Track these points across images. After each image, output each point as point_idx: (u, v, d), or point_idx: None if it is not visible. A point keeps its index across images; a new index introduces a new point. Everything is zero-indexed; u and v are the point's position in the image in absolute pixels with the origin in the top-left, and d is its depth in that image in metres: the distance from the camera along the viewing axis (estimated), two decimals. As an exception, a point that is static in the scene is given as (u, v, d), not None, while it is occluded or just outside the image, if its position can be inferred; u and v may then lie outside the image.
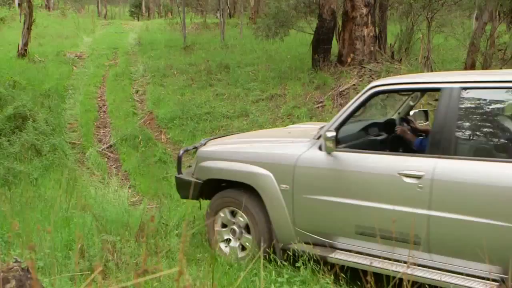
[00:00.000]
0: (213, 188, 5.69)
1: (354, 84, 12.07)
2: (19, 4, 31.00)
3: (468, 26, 16.21)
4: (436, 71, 12.63)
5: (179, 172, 6.07)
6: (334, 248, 4.89)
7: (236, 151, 5.57)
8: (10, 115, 10.88)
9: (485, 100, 4.48)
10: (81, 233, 5.26)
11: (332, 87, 12.35)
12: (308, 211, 4.98)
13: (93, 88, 15.22)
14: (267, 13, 16.93)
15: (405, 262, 4.27)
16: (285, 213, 5.09)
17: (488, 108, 4.53)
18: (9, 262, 2.54)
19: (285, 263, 5.02)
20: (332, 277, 4.46)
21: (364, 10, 12.80)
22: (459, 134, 4.37)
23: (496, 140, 4.45)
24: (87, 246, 5.02)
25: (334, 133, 4.69)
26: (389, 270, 3.94)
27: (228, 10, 30.09)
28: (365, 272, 4.27)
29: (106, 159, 10.69)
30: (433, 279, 4.17)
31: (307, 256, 4.79)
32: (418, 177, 4.26)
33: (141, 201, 8.37)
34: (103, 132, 12.25)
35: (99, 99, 14.44)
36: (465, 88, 4.34)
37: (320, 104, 11.85)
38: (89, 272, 4.41)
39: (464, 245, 4.10)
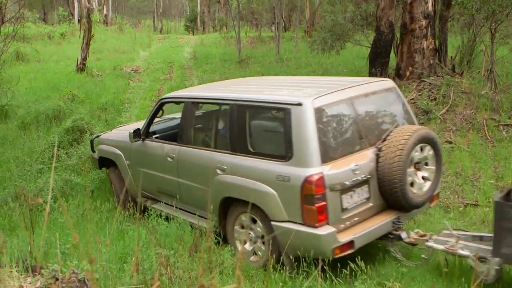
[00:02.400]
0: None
1: (413, 99, 11.84)
2: (78, 20, 32.19)
3: (534, 38, 15.69)
4: (500, 84, 12.27)
5: (92, 151, 9.07)
6: (156, 200, 7.69)
7: (109, 138, 8.57)
8: (69, 128, 11.23)
9: (205, 110, 7.36)
10: (135, 246, 5.35)
11: (389, 102, 12.16)
12: (139, 178, 7.68)
13: (148, 102, 15.55)
14: (323, 26, 16.93)
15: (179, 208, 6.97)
16: (131, 179, 7.91)
17: (205, 115, 7.35)
18: (67, 274, 2.61)
19: (341, 281, 4.96)
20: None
21: (424, 22, 12.59)
22: (191, 131, 6.97)
23: (203, 135, 7.02)
24: (141, 259, 5.10)
25: (132, 131, 7.50)
26: (170, 213, 7.01)
27: (283, 24, 30.24)
28: None
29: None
30: (181, 217, 6.71)
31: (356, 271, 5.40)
32: (173, 158, 7.03)
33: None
34: (158, 146, 12.46)
35: (154, 113, 14.72)
36: (194, 102, 7.04)
37: (377, 119, 11.70)
38: (143, 286, 4.47)
39: (194, 199, 6.75)
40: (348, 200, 5.57)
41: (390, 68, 13.70)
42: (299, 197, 5.35)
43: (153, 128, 7.80)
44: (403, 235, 5.93)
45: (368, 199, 5.78)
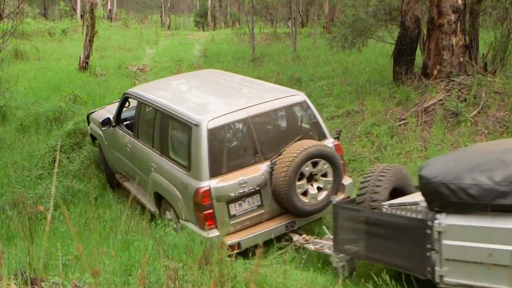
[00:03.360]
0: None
1: (440, 100, 11.78)
2: (81, 16, 32.42)
3: None
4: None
5: (89, 125, 10.60)
6: (128, 178, 9.24)
7: (96, 118, 9.99)
8: (70, 131, 11.29)
9: (148, 108, 8.40)
10: (142, 258, 5.35)
11: (415, 103, 12.12)
12: (113, 158, 9.54)
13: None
14: (343, 22, 16.88)
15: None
16: (110, 158, 9.67)
17: (149, 114, 8.34)
18: (69, 287, 2.61)
19: None
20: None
21: (453, 17, 12.52)
22: (140, 127, 8.48)
23: (147, 133, 8.28)
24: (148, 272, 5.10)
25: (101, 120, 9.23)
26: (133, 193, 8.49)
27: (300, 19, 30.24)
28: None
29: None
30: (138, 197, 8.43)
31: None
32: (130, 147, 8.63)
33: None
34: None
35: (161, 115, 14.77)
36: (140, 102, 8.53)
37: (403, 122, 11.64)
38: (150, 300, 4.48)
39: (143, 186, 8.23)
40: (236, 208, 6.94)
41: (416, 66, 13.64)
42: (192, 204, 6.84)
43: (124, 115, 9.35)
44: (295, 238, 7.20)
45: (260, 206, 7.12)
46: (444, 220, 5.29)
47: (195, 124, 6.90)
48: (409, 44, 13.32)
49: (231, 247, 6.56)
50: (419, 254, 5.39)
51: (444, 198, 5.32)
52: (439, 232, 5.28)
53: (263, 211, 7.13)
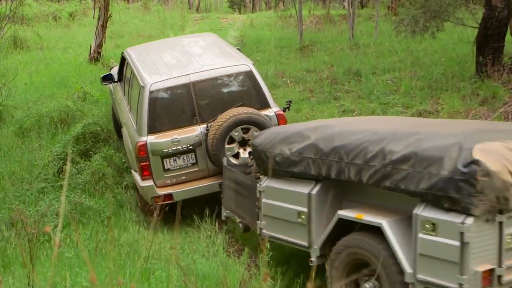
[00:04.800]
0: None
1: (536, 97, 11.57)
2: (92, -4, 32.81)
3: None
4: None
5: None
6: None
7: (111, 72, 12.66)
8: (79, 136, 11.41)
9: (129, 67, 10.82)
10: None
11: (505, 101, 11.95)
12: (116, 111, 12.19)
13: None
14: (413, 1, 16.76)
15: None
16: (116, 112, 12.18)
17: (129, 71, 10.77)
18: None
19: None
20: None
21: (552, -6, 12.32)
22: (125, 84, 11.21)
23: (128, 91, 10.69)
24: (172, 308, 5.11)
25: (104, 76, 12.35)
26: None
27: (359, -2, 30.09)
28: None
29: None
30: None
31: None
32: (119, 102, 11.35)
33: (241, 251, 8.44)
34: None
35: (189, 116, 14.85)
36: (127, 61, 10.94)
37: (488, 125, 11.47)
38: None
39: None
40: (171, 163, 9.22)
41: (506, 55, 13.47)
42: (135, 156, 9.32)
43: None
44: None
45: (194, 164, 9.33)
46: (264, 182, 7.43)
47: (142, 86, 9.28)
48: (497, 28, 13.14)
49: (163, 197, 8.88)
50: (254, 209, 7.53)
51: (264, 163, 7.54)
52: (260, 192, 7.41)
53: (197, 168, 9.38)
